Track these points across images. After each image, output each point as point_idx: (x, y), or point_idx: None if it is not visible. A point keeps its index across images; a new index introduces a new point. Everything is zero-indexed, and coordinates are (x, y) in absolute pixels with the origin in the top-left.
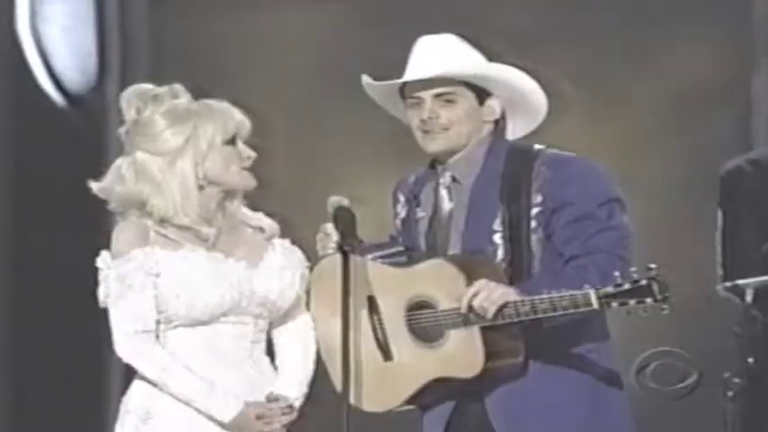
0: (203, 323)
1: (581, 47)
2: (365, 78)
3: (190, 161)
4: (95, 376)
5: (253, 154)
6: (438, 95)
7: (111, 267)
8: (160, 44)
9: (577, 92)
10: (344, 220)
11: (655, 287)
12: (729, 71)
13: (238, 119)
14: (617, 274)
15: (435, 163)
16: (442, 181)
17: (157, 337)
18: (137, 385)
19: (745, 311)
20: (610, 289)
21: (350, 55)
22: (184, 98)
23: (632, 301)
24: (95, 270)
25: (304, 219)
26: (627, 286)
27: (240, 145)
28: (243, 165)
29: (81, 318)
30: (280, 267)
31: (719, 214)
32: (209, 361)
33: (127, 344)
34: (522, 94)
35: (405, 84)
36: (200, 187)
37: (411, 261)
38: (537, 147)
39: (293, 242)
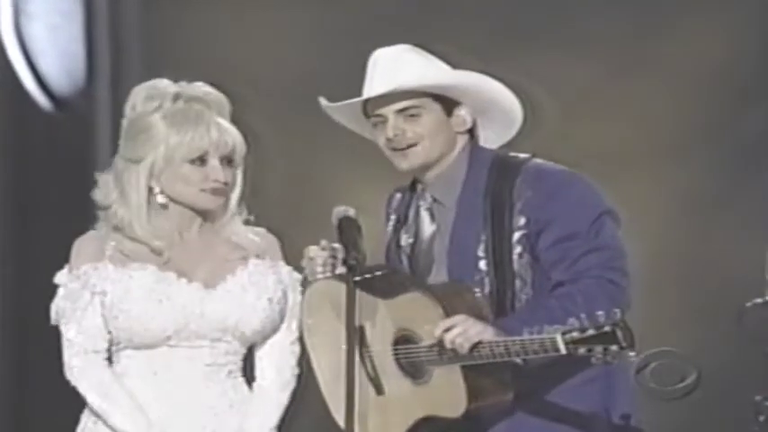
0: (149, 346)
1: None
2: (322, 101)
3: (146, 173)
4: None
5: (221, 178)
6: (401, 111)
7: (61, 284)
8: (153, 44)
9: (588, 95)
10: (350, 232)
11: (619, 334)
12: (761, 62)
13: (213, 138)
14: (579, 317)
15: (416, 182)
16: (422, 202)
17: (110, 359)
18: (81, 424)
19: None
20: (575, 334)
21: (351, 58)
22: (181, 102)
23: (599, 348)
24: None
25: (302, 232)
26: (591, 332)
27: (212, 165)
28: (204, 186)
29: None
30: (241, 290)
31: None
32: (159, 385)
33: (73, 366)
34: (493, 101)
35: (367, 102)
36: (163, 204)
37: (398, 290)
38: (521, 158)
39: (288, 260)
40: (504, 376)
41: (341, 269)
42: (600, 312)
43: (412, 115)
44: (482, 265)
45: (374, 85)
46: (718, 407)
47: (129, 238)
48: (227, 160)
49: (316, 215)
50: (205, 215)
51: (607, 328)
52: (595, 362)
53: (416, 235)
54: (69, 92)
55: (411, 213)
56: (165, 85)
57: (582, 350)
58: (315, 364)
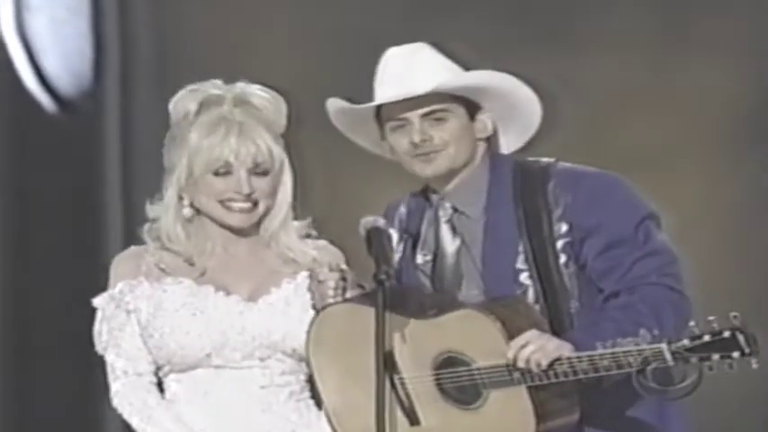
0: (192, 367)
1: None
2: (334, 103)
3: (175, 185)
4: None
5: (244, 189)
6: (427, 114)
7: (99, 307)
8: (165, 40)
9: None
10: (379, 244)
11: (741, 338)
12: None
13: (232, 146)
14: (692, 323)
15: (428, 192)
16: (441, 214)
17: (160, 383)
18: None
19: None
20: (686, 342)
21: (366, 58)
22: (226, 106)
23: (716, 356)
24: (92, 285)
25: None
26: (707, 338)
27: (237, 176)
28: (224, 197)
29: (81, 327)
30: (284, 303)
31: None
32: (210, 412)
33: (116, 390)
34: (516, 105)
35: (380, 105)
36: (188, 217)
37: (441, 308)
38: (545, 162)
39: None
40: (572, 395)
41: (351, 292)
42: (712, 317)
43: (438, 119)
44: (523, 277)
45: (400, 86)
46: (720, 407)
47: (167, 251)
48: (261, 172)
49: (345, 226)
50: (244, 230)
51: (726, 333)
52: (709, 372)
53: (436, 251)
54: (74, 92)
55: (424, 227)
56: (208, 87)
57: (693, 359)
58: (325, 398)
